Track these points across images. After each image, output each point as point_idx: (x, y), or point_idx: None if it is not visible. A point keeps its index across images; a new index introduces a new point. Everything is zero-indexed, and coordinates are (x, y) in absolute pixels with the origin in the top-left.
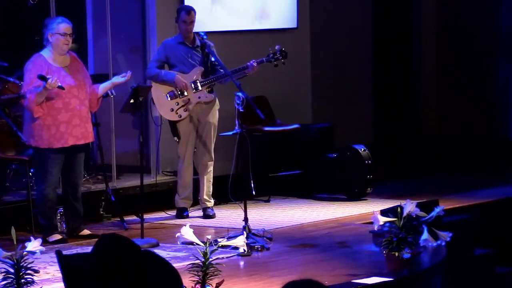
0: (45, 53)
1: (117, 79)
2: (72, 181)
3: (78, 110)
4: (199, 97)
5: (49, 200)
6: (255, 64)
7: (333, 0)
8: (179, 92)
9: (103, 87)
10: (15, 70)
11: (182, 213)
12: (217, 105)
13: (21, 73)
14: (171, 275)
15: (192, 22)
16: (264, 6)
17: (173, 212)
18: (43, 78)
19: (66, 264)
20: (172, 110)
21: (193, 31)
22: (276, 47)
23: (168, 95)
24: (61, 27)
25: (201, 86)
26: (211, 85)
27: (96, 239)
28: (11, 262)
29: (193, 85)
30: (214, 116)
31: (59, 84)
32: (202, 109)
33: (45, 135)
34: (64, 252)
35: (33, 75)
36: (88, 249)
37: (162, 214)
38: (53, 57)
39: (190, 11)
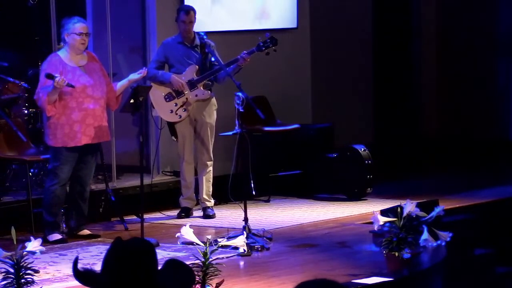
0: (62, 53)
1: (134, 76)
2: (81, 179)
3: (92, 110)
4: (196, 95)
5: (56, 196)
6: (245, 55)
7: (333, 0)
8: (176, 93)
9: (120, 85)
10: (27, 68)
11: (183, 213)
12: (214, 105)
13: (35, 71)
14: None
15: (191, 22)
16: (264, 6)
17: (170, 212)
18: (50, 76)
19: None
20: (172, 111)
21: (194, 31)
22: (266, 35)
23: (165, 97)
24: (77, 26)
25: (197, 83)
26: (209, 85)
27: (96, 239)
28: (11, 262)
29: (189, 84)
30: (211, 116)
31: (67, 82)
32: (199, 108)
33: (59, 134)
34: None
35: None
36: (88, 249)
37: (162, 214)
38: (69, 56)
39: (189, 11)
